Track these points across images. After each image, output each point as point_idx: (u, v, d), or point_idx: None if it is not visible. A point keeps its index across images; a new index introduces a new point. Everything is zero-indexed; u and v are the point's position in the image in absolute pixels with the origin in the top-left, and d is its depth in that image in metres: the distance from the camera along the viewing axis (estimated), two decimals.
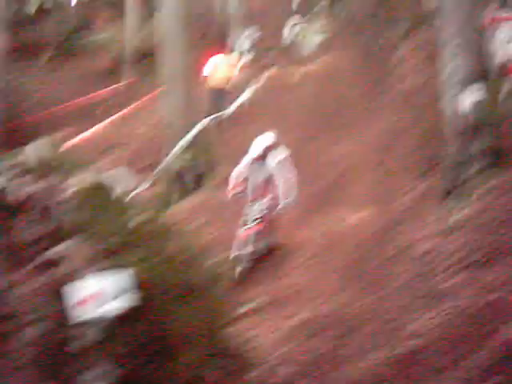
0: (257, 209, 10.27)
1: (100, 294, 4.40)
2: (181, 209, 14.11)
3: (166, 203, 14.63)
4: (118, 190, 5.49)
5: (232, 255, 9.98)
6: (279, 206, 10.20)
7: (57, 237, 4.81)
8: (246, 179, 10.62)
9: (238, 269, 10.04)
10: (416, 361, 6.52)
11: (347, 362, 7.15)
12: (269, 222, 10.45)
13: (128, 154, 17.65)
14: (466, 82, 10.25)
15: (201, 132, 15.97)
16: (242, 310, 8.55)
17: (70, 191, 5.12)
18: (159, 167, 15.38)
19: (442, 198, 10.38)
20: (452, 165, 10.46)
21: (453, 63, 10.52)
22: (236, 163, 11.15)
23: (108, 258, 4.78)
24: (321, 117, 16.39)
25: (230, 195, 10.61)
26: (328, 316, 8.17)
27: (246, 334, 7.29)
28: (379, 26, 19.76)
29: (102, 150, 17.89)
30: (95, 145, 18.02)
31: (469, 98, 10.07)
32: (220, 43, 23.08)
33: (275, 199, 10.33)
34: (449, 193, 10.24)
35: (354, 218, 11.39)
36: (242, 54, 22.12)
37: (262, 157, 10.19)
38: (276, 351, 7.65)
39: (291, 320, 8.25)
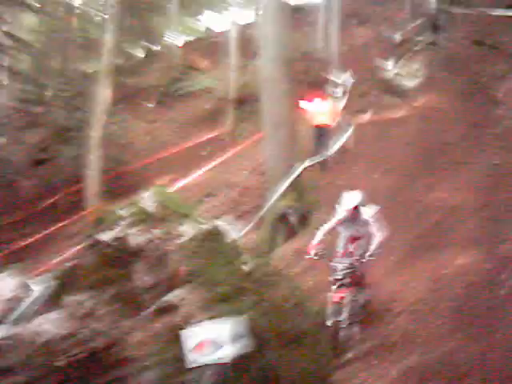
0: (345, 265, 9.74)
1: (215, 340, 4.55)
2: (286, 252, 14.21)
3: (271, 246, 14.74)
4: (230, 237, 5.66)
5: (329, 322, 9.31)
6: (368, 254, 9.73)
7: (174, 282, 5.00)
8: (330, 235, 10.21)
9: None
10: None
11: None
12: (360, 277, 10.17)
13: (228, 200, 17.89)
14: None
15: (303, 173, 16.05)
16: (350, 354, 8.51)
17: (185, 238, 5.33)
18: (262, 211, 15.40)
19: None
20: None
21: None
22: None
23: (222, 303, 4.93)
24: (422, 158, 16.26)
25: (311, 251, 9.92)
26: (436, 362, 8.03)
27: (353, 379, 7.28)
28: (481, 63, 19.65)
29: (203, 196, 18.22)
30: (198, 190, 18.38)
31: None
32: (320, 84, 23.39)
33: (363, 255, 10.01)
34: None
35: (460, 261, 11.18)
36: (336, 98, 22.13)
37: (353, 214, 9.86)
38: None
39: (399, 365, 8.13)
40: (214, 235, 5.47)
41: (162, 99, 29.70)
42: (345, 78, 24.17)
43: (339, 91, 23.11)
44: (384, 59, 23.74)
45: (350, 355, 8.37)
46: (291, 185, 15.50)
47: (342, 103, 21.52)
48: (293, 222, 15.17)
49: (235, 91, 25.94)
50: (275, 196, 15.17)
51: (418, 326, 9.29)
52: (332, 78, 24.45)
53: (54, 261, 17.24)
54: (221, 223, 5.86)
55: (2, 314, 5.72)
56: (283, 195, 15.31)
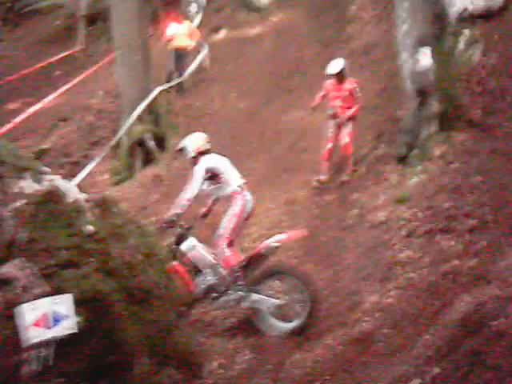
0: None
1: (56, 312, 4.42)
2: (144, 179, 14.08)
3: (128, 173, 14.51)
4: (71, 196, 5.42)
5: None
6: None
7: (10, 251, 4.77)
8: None
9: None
10: (373, 339, 6.69)
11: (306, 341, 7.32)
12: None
13: (84, 124, 17.26)
14: (419, 43, 10.22)
15: (160, 97, 15.70)
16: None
17: (22, 200, 5.05)
18: (118, 136, 14.65)
19: (399, 161, 10.47)
20: (406, 129, 10.56)
21: (405, 23, 10.48)
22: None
23: (65, 270, 4.77)
24: (278, 77, 16.36)
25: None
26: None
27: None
28: None
29: (57, 121, 17.52)
30: (47, 117, 17.62)
31: (419, 62, 10.14)
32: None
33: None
34: (404, 157, 10.32)
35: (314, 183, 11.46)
36: (191, 17, 21.59)
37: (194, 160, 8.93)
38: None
39: None
40: (54, 195, 5.20)
41: (8, 16, 28.01)
42: None
43: (194, 8, 22.56)
44: None
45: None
46: (147, 108, 15.11)
47: (197, 20, 21.04)
48: (150, 147, 14.92)
49: (86, 7, 24.73)
50: (131, 120, 14.70)
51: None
52: None
53: None
54: (61, 182, 5.58)
55: None
56: (139, 119, 14.89)
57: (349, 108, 11.19)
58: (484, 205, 8.18)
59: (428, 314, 6.62)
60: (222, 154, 8.31)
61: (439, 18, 10.53)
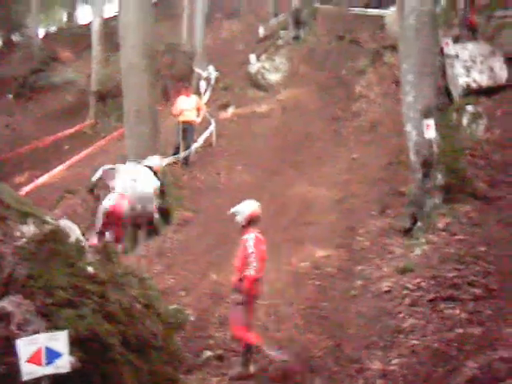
0: None
1: (52, 349, 4.34)
2: (147, 249, 14.01)
3: (131, 246, 14.43)
4: (73, 237, 5.41)
5: None
6: None
7: (9, 288, 4.73)
8: None
9: None
10: None
11: None
12: None
13: (89, 197, 17.39)
14: (423, 115, 10.35)
15: (166, 168, 15.76)
16: (205, 356, 8.41)
17: (24, 239, 5.04)
18: None
19: (404, 233, 10.46)
20: (410, 201, 10.59)
21: (410, 96, 10.65)
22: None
23: (63, 308, 4.71)
24: (284, 152, 16.52)
25: None
26: (293, 357, 8.10)
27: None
28: (342, 57, 20.18)
29: (63, 193, 17.65)
30: (54, 189, 17.78)
31: (423, 134, 10.23)
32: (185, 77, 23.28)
33: None
34: (408, 230, 10.31)
35: (319, 254, 11.40)
36: (201, 93, 22.01)
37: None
38: None
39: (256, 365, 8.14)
40: (56, 235, 5.18)
41: (22, 91, 28.62)
42: (209, 71, 24.12)
43: (204, 84, 23.04)
44: (249, 53, 23.83)
45: (204, 357, 8.30)
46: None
47: (207, 96, 21.44)
48: (155, 219, 14.87)
49: (98, 84, 25.29)
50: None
51: (275, 320, 9.37)
52: (196, 70, 24.37)
53: None
54: (64, 222, 5.59)
55: None
56: None
57: None
58: (488, 274, 8.13)
59: (432, 381, 6.48)
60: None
61: (443, 91, 10.68)
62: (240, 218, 8.18)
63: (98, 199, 10.51)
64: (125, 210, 11.00)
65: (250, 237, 7.96)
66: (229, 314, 8.57)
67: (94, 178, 11.03)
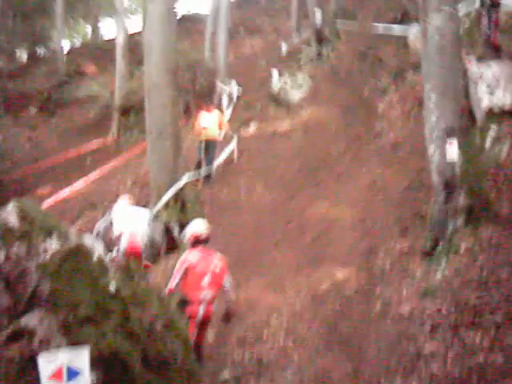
0: None
1: (73, 366, 4.34)
2: (167, 266, 14.00)
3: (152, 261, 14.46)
4: (96, 254, 5.43)
5: None
6: None
7: (32, 303, 4.75)
8: None
9: None
10: None
11: None
12: None
13: (107, 211, 17.49)
14: (446, 135, 10.25)
15: (187, 185, 15.79)
16: (226, 374, 8.39)
17: (47, 255, 5.07)
18: None
19: (424, 255, 10.37)
20: (432, 222, 10.50)
21: (433, 115, 10.57)
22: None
23: (84, 325, 4.72)
24: (305, 171, 16.49)
25: None
26: (311, 380, 8.07)
27: None
28: (364, 76, 20.14)
29: (84, 208, 17.77)
30: (79, 201, 17.90)
31: (446, 154, 10.14)
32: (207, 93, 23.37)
33: None
34: (431, 251, 10.22)
35: (338, 276, 11.35)
36: (223, 109, 22.02)
37: None
38: None
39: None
40: (79, 252, 5.21)
41: (46, 105, 28.87)
42: (231, 88, 24.17)
43: (226, 101, 23.09)
44: (271, 70, 23.85)
45: (225, 375, 8.28)
46: (175, 197, 15.22)
47: (228, 113, 21.47)
48: (175, 235, 14.91)
49: (121, 99, 25.46)
50: (158, 208, 14.83)
51: (294, 342, 9.33)
52: (219, 87, 24.43)
53: None
54: (88, 239, 5.62)
55: None
56: (166, 207, 15.00)
57: None
58: (511, 299, 8.01)
59: None
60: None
61: (467, 112, 10.61)
62: (185, 239, 8.74)
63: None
64: (140, 245, 11.26)
65: (186, 254, 8.40)
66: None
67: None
